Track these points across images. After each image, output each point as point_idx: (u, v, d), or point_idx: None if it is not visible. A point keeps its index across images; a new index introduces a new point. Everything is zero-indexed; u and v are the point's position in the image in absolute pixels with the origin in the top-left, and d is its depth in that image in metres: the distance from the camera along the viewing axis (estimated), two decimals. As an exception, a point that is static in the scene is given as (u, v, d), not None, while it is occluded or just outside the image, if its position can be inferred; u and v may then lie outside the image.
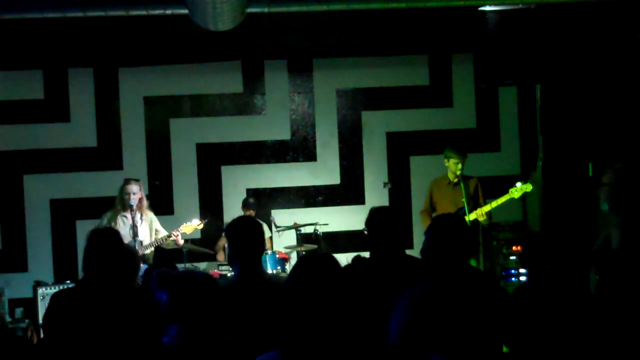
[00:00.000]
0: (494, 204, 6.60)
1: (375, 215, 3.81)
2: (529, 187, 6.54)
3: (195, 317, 2.86)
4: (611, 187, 4.08)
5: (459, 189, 6.63)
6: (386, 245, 3.70)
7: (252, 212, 7.61)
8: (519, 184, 6.59)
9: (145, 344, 3.23)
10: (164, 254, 6.97)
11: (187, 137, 8.20)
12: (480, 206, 6.65)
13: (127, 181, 6.53)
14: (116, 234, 3.92)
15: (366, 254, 3.79)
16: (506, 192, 6.61)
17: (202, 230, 7.25)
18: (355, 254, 3.65)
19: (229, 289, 3.53)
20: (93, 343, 3.43)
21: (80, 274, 3.89)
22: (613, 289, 3.77)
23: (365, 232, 3.85)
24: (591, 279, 3.79)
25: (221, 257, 7.70)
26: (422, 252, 3.16)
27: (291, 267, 2.50)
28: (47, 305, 3.81)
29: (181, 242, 6.59)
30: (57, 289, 6.38)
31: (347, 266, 3.34)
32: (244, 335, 3.22)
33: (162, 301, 2.91)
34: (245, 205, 7.74)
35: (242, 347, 2.97)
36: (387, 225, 3.73)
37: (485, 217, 6.61)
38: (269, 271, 6.94)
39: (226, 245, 7.72)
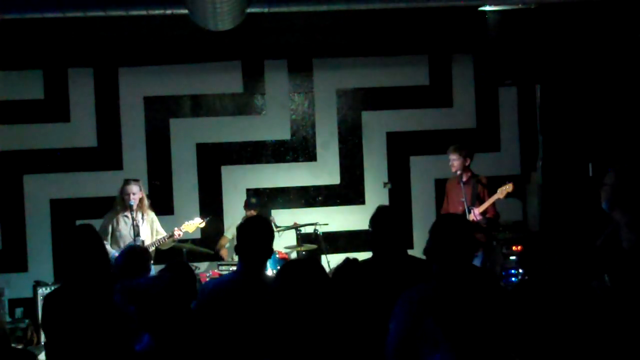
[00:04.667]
0: (484, 205, 6.58)
1: (379, 214, 3.80)
2: (510, 188, 6.52)
3: (162, 326, 2.87)
4: (611, 187, 4.08)
5: (468, 188, 6.62)
6: (388, 244, 3.69)
7: (254, 213, 7.60)
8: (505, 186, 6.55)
9: (119, 350, 3.22)
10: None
11: (187, 137, 8.20)
12: (482, 204, 6.63)
13: (127, 182, 6.54)
14: (91, 230, 3.79)
15: (364, 255, 3.78)
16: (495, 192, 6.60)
17: (202, 229, 7.24)
18: (354, 254, 3.64)
19: (225, 287, 3.53)
20: (88, 343, 3.41)
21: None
22: (626, 288, 3.75)
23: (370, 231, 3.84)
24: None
25: (224, 253, 7.70)
26: (425, 251, 3.16)
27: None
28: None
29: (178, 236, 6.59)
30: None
31: (338, 267, 3.33)
32: (240, 336, 3.22)
33: (130, 312, 2.95)
34: (248, 205, 7.73)
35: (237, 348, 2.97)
36: (390, 224, 3.72)
37: (479, 218, 6.55)
38: (269, 271, 6.93)
39: (228, 244, 7.76)
